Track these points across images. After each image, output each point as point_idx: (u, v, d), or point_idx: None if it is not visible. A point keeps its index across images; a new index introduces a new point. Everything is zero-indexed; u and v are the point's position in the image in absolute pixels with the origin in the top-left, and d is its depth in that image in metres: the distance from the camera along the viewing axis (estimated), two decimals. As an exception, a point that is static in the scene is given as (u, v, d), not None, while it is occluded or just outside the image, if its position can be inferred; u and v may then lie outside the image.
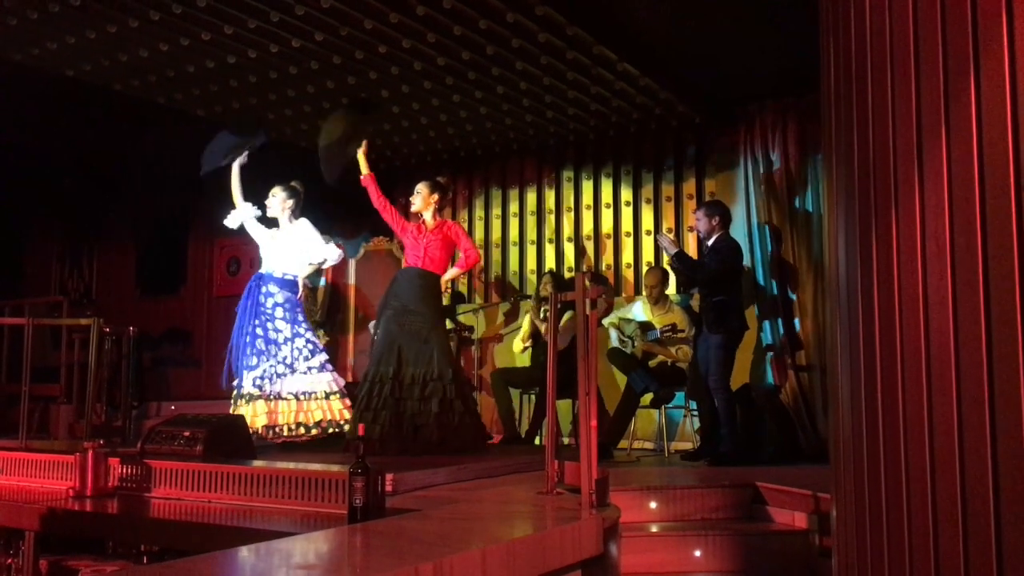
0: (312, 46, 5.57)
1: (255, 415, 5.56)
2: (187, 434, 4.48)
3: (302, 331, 5.83)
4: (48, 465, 4.71)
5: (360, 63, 5.85)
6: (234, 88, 6.38)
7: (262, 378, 5.66)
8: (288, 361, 5.71)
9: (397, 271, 5.99)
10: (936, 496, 1.79)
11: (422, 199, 5.62)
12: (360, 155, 5.67)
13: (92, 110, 7.15)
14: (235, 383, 5.73)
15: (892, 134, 1.96)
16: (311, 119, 7.06)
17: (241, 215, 5.98)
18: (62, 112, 7.22)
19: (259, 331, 5.73)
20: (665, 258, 6.26)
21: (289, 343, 5.75)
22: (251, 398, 5.62)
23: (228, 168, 5.97)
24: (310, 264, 6.05)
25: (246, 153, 5.94)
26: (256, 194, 6.05)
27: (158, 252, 9.60)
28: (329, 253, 6.04)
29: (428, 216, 5.63)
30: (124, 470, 4.37)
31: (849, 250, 2.16)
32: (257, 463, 4.28)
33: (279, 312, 5.79)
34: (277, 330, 5.76)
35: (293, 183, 6.05)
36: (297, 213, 6.00)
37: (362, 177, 5.66)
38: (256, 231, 6.02)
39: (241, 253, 9.03)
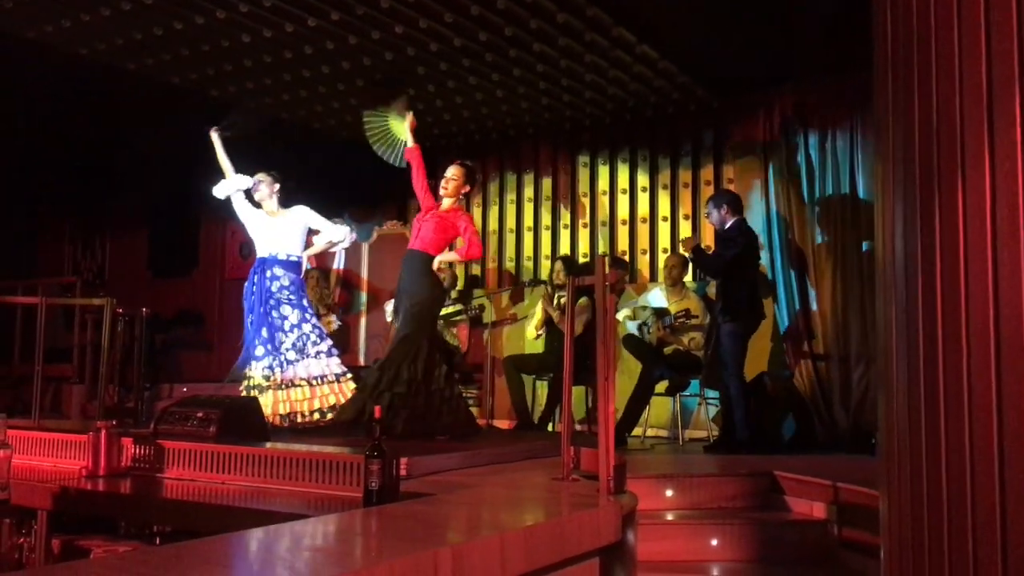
0: (328, 25, 5.51)
1: (269, 404, 5.45)
2: (200, 415, 4.44)
3: (308, 316, 5.73)
4: (61, 445, 4.68)
5: (376, 43, 5.78)
6: (248, 68, 6.33)
7: (270, 368, 5.56)
8: (299, 347, 5.62)
9: None
10: (1005, 487, 1.70)
11: (455, 187, 5.29)
12: (407, 127, 5.47)
13: (104, 92, 7.12)
14: (239, 369, 5.64)
15: (960, 94, 1.83)
16: (325, 100, 7.01)
17: (232, 185, 5.78)
18: (75, 94, 7.19)
19: (264, 320, 5.61)
20: (682, 249, 6.21)
21: (296, 329, 5.64)
22: (262, 389, 5.53)
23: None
24: (324, 243, 6.00)
25: (226, 125, 5.79)
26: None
27: (171, 234, 9.59)
28: (338, 233, 5.94)
29: (448, 202, 5.31)
30: (137, 450, 4.34)
31: (908, 224, 2.02)
32: (271, 445, 4.25)
33: (285, 295, 5.66)
34: (283, 316, 5.64)
35: (272, 172, 5.87)
36: (282, 198, 5.84)
37: (407, 149, 5.46)
38: (245, 209, 5.82)
39: (254, 236, 8.99)
